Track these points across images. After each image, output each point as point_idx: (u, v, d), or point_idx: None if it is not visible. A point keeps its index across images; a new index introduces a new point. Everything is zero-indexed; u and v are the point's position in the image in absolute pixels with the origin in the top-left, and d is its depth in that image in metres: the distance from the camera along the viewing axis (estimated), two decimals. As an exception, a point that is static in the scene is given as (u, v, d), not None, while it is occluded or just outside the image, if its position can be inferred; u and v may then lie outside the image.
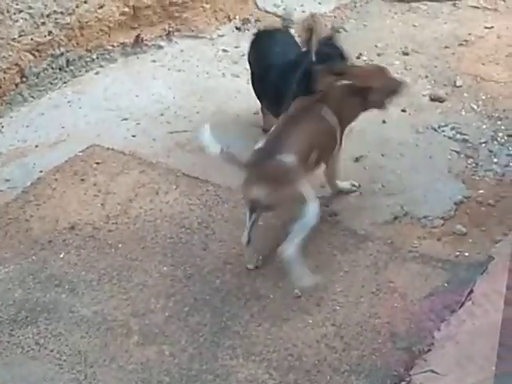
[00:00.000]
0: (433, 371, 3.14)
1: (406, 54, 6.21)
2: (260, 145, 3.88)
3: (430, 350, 3.31)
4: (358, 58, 6.19)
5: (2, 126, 5.30)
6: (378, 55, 6.23)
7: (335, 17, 7.01)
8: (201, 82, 5.91)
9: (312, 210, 3.71)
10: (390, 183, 4.64)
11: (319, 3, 7.27)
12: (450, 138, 5.04)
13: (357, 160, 4.87)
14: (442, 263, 3.94)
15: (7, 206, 4.51)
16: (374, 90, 4.15)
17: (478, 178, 4.64)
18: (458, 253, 4.05)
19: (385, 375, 3.32)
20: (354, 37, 6.58)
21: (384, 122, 5.25)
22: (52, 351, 3.56)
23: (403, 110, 5.36)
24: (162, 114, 5.44)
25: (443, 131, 5.12)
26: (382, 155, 4.90)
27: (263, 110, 5.07)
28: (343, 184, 4.52)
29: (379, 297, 3.77)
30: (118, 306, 3.79)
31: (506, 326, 3.09)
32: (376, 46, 6.38)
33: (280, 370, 3.39)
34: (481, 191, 4.52)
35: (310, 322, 3.65)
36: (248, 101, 5.51)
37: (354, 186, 4.56)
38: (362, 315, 3.66)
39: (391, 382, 3.27)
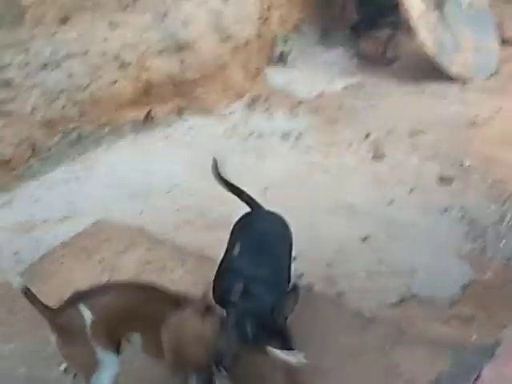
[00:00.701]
0: None
1: (414, 134, 6.26)
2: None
3: None
4: (367, 137, 6.25)
5: (11, 201, 5.33)
6: (386, 134, 6.29)
7: (344, 96, 7.11)
8: (209, 159, 5.93)
9: (101, 381, 3.21)
10: (396, 264, 4.62)
11: (329, 83, 7.38)
12: (457, 219, 5.05)
13: (363, 240, 4.87)
14: (449, 347, 3.89)
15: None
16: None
17: (485, 261, 4.63)
18: (464, 336, 4.01)
19: None
20: (362, 116, 6.67)
21: (391, 202, 5.26)
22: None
23: (410, 191, 5.38)
24: (169, 191, 5.47)
25: (451, 213, 5.13)
26: (389, 236, 4.90)
27: None
28: None
29: (387, 381, 3.71)
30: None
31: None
32: (384, 126, 6.44)
33: None
34: (488, 274, 4.50)
35: (316, 404, 3.60)
36: (256, 178, 5.56)
37: None
38: (369, 400, 3.61)
39: None
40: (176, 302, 3.28)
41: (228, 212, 5.21)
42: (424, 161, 5.82)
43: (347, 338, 4.02)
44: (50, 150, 5.68)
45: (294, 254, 4.66)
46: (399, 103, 6.91)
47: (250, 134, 6.38)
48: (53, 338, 3.22)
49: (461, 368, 3.73)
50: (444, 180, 5.51)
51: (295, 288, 3.37)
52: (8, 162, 5.40)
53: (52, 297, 4.31)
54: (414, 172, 5.68)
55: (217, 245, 4.72)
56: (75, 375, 3.50)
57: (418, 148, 6.02)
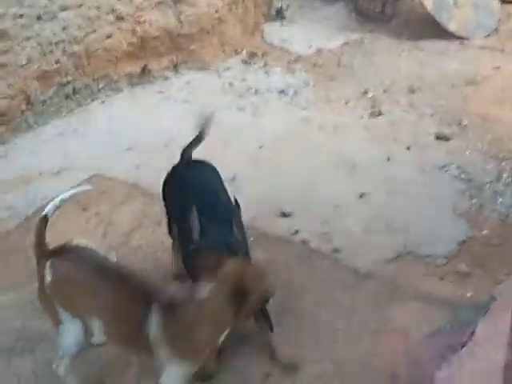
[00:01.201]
0: (432, 415, 3.09)
1: (412, 91, 6.22)
2: None
3: (430, 391, 3.26)
4: (364, 94, 6.21)
5: (6, 153, 5.29)
6: (384, 92, 6.25)
7: (343, 53, 7.05)
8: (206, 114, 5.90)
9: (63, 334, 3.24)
10: (393, 221, 4.61)
11: (327, 39, 7.32)
12: (454, 177, 5.03)
13: (361, 196, 4.86)
14: (445, 303, 3.89)
15: (8, 234, 4.50)
16: (249, 300, 3.02)
17: (482, 218, 4.62)
18: (460, 293, 4.01)
19: (384, 417, 3.27)
20: (360, 73, 6.62)
21: (389, 159, 5.24)
22: (48, 381, 3.51)
23: (408, 148, 5.36)
24: (166, 146, 5.44)
25: (448, 170, 5.11)
26: (387, 193, 4.88)
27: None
28: None
29: (380, 336, 3.72)
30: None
31: (510, 369, 3.05)
32: (382, 83, 6.39)
33: (277, 406, 3.35)
34: (485, 231, 4.49)
35: (310, 358, 3.60)
36: (253, 135, 5.53)
37: None
38: (363, 354, 3.61)
39: (390, 423, 3.22)
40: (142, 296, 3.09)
41: (223, 167, 5.18)
42: (422, 118, 5.79)
43: (342, 294, 4.02)
44: (45, 102, 5.63)
45: (289, 210, 4.68)
46: (398, 60, 6.86)
47: (247, 90, 6.33)
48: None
49: (456, 324, 3.73)
50: (442, 138, 5.48)
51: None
52: (3, 114, 5.36)
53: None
54: (412, 129, 5.64)
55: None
56: None
57: (416, 105, 5.99)
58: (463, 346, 3.41)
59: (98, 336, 3.22)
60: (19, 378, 3.54)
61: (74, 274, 3.15)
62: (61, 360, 3.30)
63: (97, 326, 3.14)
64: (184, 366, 3.05)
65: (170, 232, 4.08)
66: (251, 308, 3.07)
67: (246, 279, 3.01)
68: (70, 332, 3.21)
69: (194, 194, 3.82)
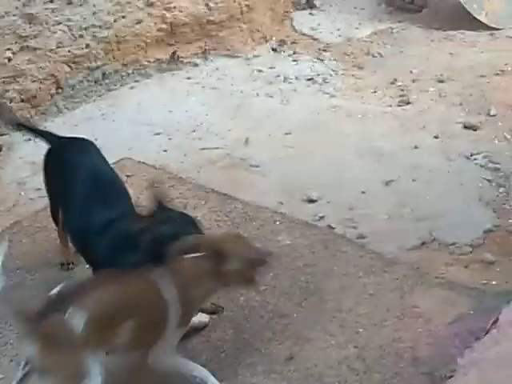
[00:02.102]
0: (454, 398, 3.09)
1: (441, 81, 6.20)
2: (53, 293, 3.06)
3: (452, 376, 3.26)
4: (393, 83, 6.20)
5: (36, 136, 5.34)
6: (413, 81, 6.23)
7: (372, 42, 7.03)
8: (234, 100, 5.95)
9: None
10: (419, 208, 4.61)
11: (356, 28, 7.30)
12: (481, 166, 5.00)
13: (387, 184, 4.86)
14: (469, 290, 3.89)
15: (36, 215, 4.55)
16: (229, 259, 3.18)
17: (508, 207, 4.59)
18: (484, 281, 3.99)
19: (405, 400, 3.28)
20: (389, 62, 6.61)
21: (416, 147, 5.24)
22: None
23: (436, 137, 5.35)
24: (194, 131, 5.48)
25: (475, 159, 5.09)
26: (413, 180, 4.88)
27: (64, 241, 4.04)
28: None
29: (403, 321, 3.72)
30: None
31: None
32: (411, 72, 6.38)
33: (300, 389, 3.36)
34: (510, 221, 4.47)
35: (333, 343, 3.61)
36: (281, 121, 5.54)
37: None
38: (385, 338, 3.61)
39: (412, 407, 3.23)
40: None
41: (250, 153, 5.24)
42: (450, 107, 5.77)
43: (367, 279, 4.03)
44: (74, 86, 5.68)
45: (315, 196, 4.70)
46: (427, 50, 6.83)
47: (276, 77, 6.34)
48: (31, 348, 2.82)
49: (479, 311, 3.73)
50: (470, 127, 5.46)
51: None
52: (33, 97, 5.41)
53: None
54: (440, 118, 5.62)
55: (239, 185, 4.77)
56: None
57: (445, 95, 5.96)
58: (486, 333, 3.41)
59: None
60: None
61: (106, 299, 3.01)
62: None
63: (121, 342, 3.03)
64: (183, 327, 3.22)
65: (56, 219, 3.95)
66: (236, 271, 3.18)
67: (221, 243, 3.21)
68: (96, 380, 2.88)
69: (79, 174, 3.67)
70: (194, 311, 3.33)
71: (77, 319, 2.84)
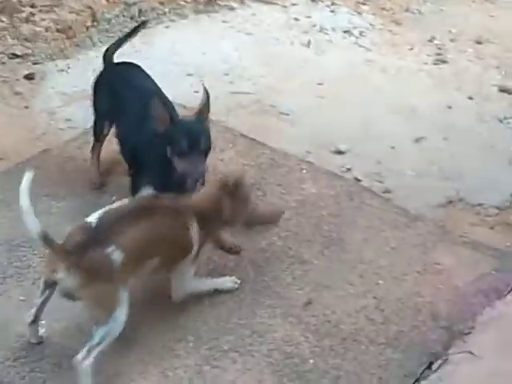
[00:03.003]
0: (471, 353, 3.10)
1: (479, 42, 6.12)
2: (91, 221, 3.12)
3: (470, 333, 3.27)
4: (430, 41, 6.13)
5: (69, 67, 5.34)
6: (451, 41, 6.16)
7: (412, -2, 6.93)
8: (269, 47, 5.90)
9: (120, 318, 3.04)
10: (447, 167, 4.58)
11: (397, -16, 7.18)
12: (513, 130, 4.96)
13: (417, 141, 4.83)
14: (492, 251, 3.88)
15: (66, 145, 4.56)
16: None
17: (537, 172, 4.56)
18: (508, 243, 3.98)
19: (421, 352, 3.28)
20: (428, 20, 6.53)
21: (449, 107, 5.19)
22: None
23: (470, 98, 5.30)
24: (226, 74, 5.45)
25: (508, 123, 5.04)
26: (444, 139, 4.85)
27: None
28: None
29: (424, 276, 3.72)
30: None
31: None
32: (450, 32, 6.29)
33: (316, 334, 3.37)
34: (539, 185, 4.44)
35: (351, 292, 3.62)
36: (314, 71, 5.50)
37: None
38: (405, 292, 3.62)
39: (427, 359, 3.23)
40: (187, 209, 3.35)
41: (281, 100, 5.21)
42: (487, 70, 5.70)
43: (390, 233, 4.03)
44: (110, 21, 5.64)
45: (344, 147, 4.68)
46: (468, 11, 6.72)
47: (312, 27, 6.27)
48: (71, 279, 2.96)
49: (502, 272, 3.73)
50: (505, 90, 5.40)
51: None
52: (68, 28, 5.39)
53: (102, 163, 4.38)
54: (476, 80, 5.56)
55: (268, 131, 4.75)
56: None
57: (483, 56, 5.89)
58: (508, 293, 3.41)
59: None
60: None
61: (140, 237, 3.14)
62: (92, 351, 3.00)
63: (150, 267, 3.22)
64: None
65: (98, 135, 4.21)
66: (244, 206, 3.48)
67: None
68: (125, 309, 3.06)
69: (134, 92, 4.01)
70: (206, 245, 3.50)
71: (115, 255, 3.01)
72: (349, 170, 4.54)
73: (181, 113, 4.76)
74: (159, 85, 4.86)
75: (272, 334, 3.36)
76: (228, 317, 3.43)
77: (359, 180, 4.45)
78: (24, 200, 2.93)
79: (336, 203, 4.22)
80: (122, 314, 3.04)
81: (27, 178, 2.97)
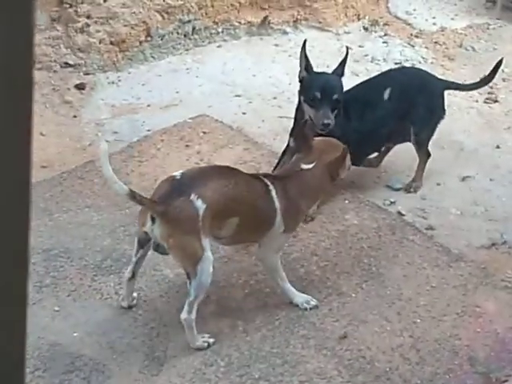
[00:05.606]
0: (507, 401, 3.04)
1: (531, 84, 6.04)
2: (176, 175, 3.32)
3: (507, 381, 3.19)
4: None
5: (120, 80, 5.38)
6: (503, 80, 6.08)
7: (466, 35, 6.87)
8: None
9: (206, 269, 3.21)
10: (493, 208, 4.51)
11: (452, 19, 7.14)
12: None
13: (463, 179, 4.76)
14: (535, 299, 3.80)
15: (111, 157, 4.49)
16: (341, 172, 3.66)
17: None
18: (551, 290, 3.90)
19: (456, 396, 3.22)
20: (481, 57, 6.45)
21: (498, 147, 5.12)
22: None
23: (520, 139, 5.23)
24: (274, 98, 5.44)
25: (558, 168, 4.95)
26: (490, 179, 4.77)
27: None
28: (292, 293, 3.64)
29: (463, 318, 3.65)
30: (200, 274, 3.78)
31: None
32: (503, 71, 6.20)
33: (350, 369, 3.32)
34: None
35: (388, 329, 3.56)
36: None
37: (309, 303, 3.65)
38: (442, 333, 3.55)
39: (462, 404, 3.17)
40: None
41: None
42: (537, 112, 5.62)
43: (430, 271, 3.96)
44: (163, 37, 5.67)
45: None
46: (522, 51, 6.65)
47: (363, 57, 6.25)
48: (158, 229, 3.17)
49: (543, 321, 3.64)
50: (556, 134, 5.31)
51: None
52: (122, 41, 5.42)
53: (145, 179, 4.40)
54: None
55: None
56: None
57: (533, 98, 5.81)
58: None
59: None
60: (102, 295, 3.61)
61: (221, 190, 3.29)
62: (192, 306, 3.25)
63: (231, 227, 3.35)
64: (289, 232, 3.59)
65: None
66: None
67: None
68: (210, 260, 3.24)
69: None
70: (301, 220, 3.72)
71: (198, 203, 3.16)
72: (393, 203, 4.49)
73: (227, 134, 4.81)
74: (208, 103, 4.90)
75: (304, 366, 3.31)
76: (261, 344, 3.40)
77: (402, 214, 4.40)
78: (106, 170, 3.22)
79: (377, 236, 4.17)
80: (207, 264, 3.21)
81: (103, 150, 3.25)
